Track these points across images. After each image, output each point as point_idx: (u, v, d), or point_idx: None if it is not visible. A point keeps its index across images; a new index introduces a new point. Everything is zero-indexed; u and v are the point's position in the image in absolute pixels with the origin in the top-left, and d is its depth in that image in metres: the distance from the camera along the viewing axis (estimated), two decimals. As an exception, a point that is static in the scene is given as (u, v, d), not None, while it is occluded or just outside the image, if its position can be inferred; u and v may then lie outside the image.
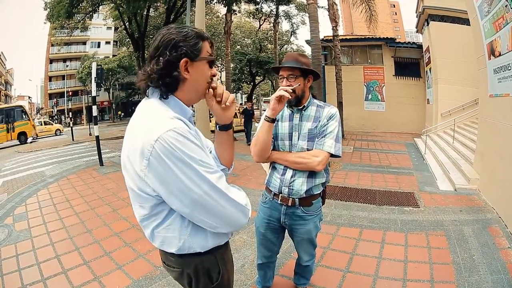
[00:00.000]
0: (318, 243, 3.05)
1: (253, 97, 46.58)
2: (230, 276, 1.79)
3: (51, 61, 52.11)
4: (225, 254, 1.73)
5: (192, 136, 1.35)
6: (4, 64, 62.74)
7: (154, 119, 1.36)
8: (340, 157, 2.61)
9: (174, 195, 1.34)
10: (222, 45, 27.74)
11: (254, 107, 20.90)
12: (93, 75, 12.07)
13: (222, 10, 29.72)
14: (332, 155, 2.56)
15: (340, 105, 15.96)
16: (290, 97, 2.42)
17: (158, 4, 23.18)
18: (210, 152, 1.80)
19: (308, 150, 2.60)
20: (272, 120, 2.52)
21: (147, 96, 1.51)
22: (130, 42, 24.23)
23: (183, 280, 1.66)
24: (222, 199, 1.41)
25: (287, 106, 2.74)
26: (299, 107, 2.68)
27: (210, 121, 12.94)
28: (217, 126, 1.75)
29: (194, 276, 1.61)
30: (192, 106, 1.69)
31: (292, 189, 2.63)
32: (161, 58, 1.41)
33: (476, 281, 3.67)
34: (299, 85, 2.55)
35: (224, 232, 1.61)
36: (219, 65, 40.80)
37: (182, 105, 1.52)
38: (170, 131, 1.27)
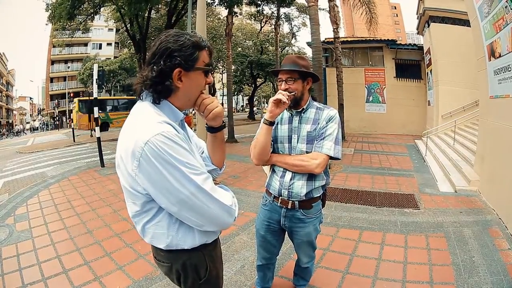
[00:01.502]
0: (318, 245, 3.07)
1: (254, 99, 46.63)
2: (219, 272, 1.86)
3: (53, 62, 52.27)
4: (213, 252, 1.79)
5: (179, 140, 1.41)
6: (6, 65, 62.94)
7: (145, 122, 1.42)
8: (340, 159, 2.61)
9: (162, 194, 1.41)
10: (223, 47, 27.78)
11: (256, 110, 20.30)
12: (95, 76, 12.11)
13: (223, 12, 29.79)
14: (331, 158, 2.56)
15: (341, 107, 15.97)
16: (287, 102, 2.43)
17: (160, 6, 23.20)
18: (203, 152, 1.89)
19: (307, 152, 2.60)
20: (271, 123, 2.53)
21: (141, 99, 1.57)
22: (132, 44, 24.22)
23: (172, 275, 1.73)
24: (207, 199, 1.47)
25: (286, 109, 2.73)
26: (298, 110, 2.68)
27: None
28: (206, 127, 1.82)
29: (182, 272, 1.67)
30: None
31: (291, 191, 2.64)
32: (155, 66, 1.47)
33: (476, 282, 3.67)
34: (295, 93, 2.56)
35: (212, 231, 1.67)
36: (220, 67, 40.91)
37: (174, 109, 1.58)
38: (159, 135, 1.34)
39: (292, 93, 2.52)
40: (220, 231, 1.79)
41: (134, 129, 1.43)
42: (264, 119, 2.55)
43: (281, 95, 2.41)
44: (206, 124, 1.79)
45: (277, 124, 2.75)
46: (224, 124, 1.82)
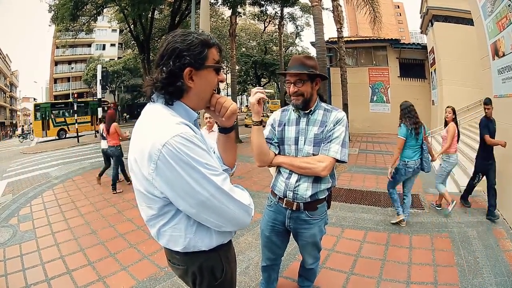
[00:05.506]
0: (323, 245, 3.05)
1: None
2: (233, 273, 1.84)
3: (56, 63, 52.24)
4: (228, 252, 1.77)
5: (198, 141, 1.37)
6: (9, 66, 63.13)
7: (161, 124, 1.38)
8: (346, 162, 2.58)
9: (181, 197, 1.37)
10: (227, 47, 27.79)
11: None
12: (99, 77, 12.19)
13: (226, 12, 29.77)
14: (338, 161, 2.52)
15: (345, 107, 15.94)
16: (266, 98, 2.37)
17: (163, 7, 23.21)
18: (214, 152, 1.84)
19: (314, 155, 2.56)
20: (260, 123, 2.50)
21: (153, 101, 1.53)
22: (135, 44, 24.27)
23: (187, 277, 1.70)
24: (227, 200, 1.44)
25: (293, 110, 2.72)
26: (306, 111, 2.64)
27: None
28: (218, 129, 1.78)
29: (198, 274, 1.65)
30: None
31: (296, 193, 2.61)
32: (164, 68, 1.43)
33: (480, 283, 3.66)
34: (305, 94, 2.53)
35: (228, 231, 1.64)
36: (225, 67, 41.06)
37: (187, 109, 1.54)
38: (177, 136, 1.30)
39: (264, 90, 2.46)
40: (235, 231, 1.76)
41: (149, 132, 1.39)
42: (254, 121, 2.49)
43: (260, 94, 2.33)
44: (218, 126, 1.77)
45: (284, 125, 2.72)
46: (236, 123, 1.80)
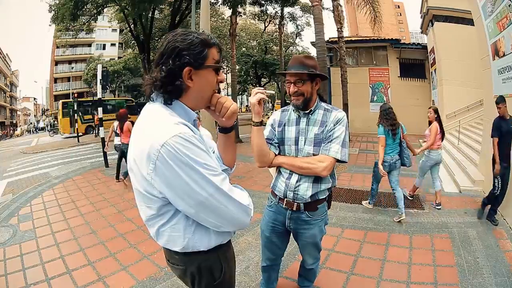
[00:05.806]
0: (323, 245, 3.04)
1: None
2: (232, 273, 1.84)
3: (57, 63, 52.26)
4: (227, 252, 1.77)
5: (196, 141, 1.37)
6: (9, 66, 63.13)
7: (160, 124, 1.38)
8: (347, 162, 2.58)
9: (180, 197, 1.37)
10: (228, 47, 27.79)
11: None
12: (99, 77, 12.13)
13: (227, 12, 29.78)
14: (338, 160, 2.51)
15: (345, 107, 15.89)
16: (266, 97, 2.37)
17: (163, 7, 23.20)
18: (213, 152, 1.84)
19: (314, 155, 2.56)
20: (260, 123, 2.49)
21: (152, 100, 1.53)
22: (136, 44, 24.28)
23: (186, 278, 1.70)
24: (226, 200, 1.44)
25: (293, 110, 2.72)
26: (306, 111, 2.63)
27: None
28: (218, 128, 1.78)
29: (197, 274, 1.65)
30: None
31: (297, 194, 2.60)
32: (164, 67, 1.43)
33: (480, 283, 3.66)
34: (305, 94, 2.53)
35: (227, 231, 1.64)
36: (225, 67, 41.13)
37: (186, 109, 1.54)
38: (176, 136, 1.30)
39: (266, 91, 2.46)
40: (234, 231, 1.76)
41: (148, 131, 1.40)
42: (253, 122, 2.49)
43: (260, 94, 2.32)
44: (218, 126, 1.76)
45: (284, 125, 2.72)
46: (236, 123, 1.80)
